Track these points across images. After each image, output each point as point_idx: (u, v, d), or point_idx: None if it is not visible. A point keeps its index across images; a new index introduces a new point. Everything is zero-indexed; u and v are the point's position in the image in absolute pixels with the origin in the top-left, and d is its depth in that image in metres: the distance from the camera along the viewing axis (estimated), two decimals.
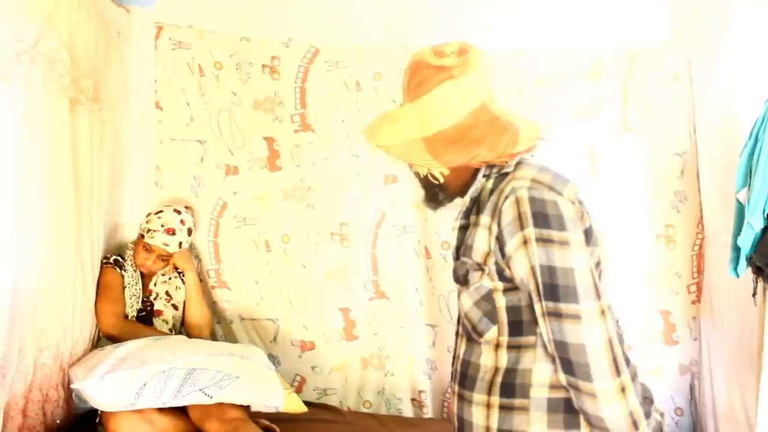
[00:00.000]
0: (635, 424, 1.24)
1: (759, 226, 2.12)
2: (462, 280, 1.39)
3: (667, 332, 3.00)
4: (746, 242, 2.16)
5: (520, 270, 1.28)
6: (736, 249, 2.24)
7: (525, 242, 1.26)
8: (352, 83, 3.11)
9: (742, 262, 2.22)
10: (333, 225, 3.14)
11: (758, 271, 2.19)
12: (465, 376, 1.40)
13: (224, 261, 3.13)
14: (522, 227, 1.26)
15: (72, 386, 2.33)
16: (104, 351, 2.43)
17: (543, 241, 1.25)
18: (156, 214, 2.83)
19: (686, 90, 2.93)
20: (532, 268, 1.26)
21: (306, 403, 2.70)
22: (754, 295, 2.25)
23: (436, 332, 3.14)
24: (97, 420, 2.40)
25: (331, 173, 3.13)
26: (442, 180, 1.41)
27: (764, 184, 2.08)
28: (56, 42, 2.21)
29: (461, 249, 1.41)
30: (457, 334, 1.50)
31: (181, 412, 2.41)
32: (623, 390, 1.23)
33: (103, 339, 2.67)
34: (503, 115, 1.40)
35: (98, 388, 2.24)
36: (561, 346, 1.24)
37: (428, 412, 3.11)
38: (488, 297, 1.34)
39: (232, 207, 3.13)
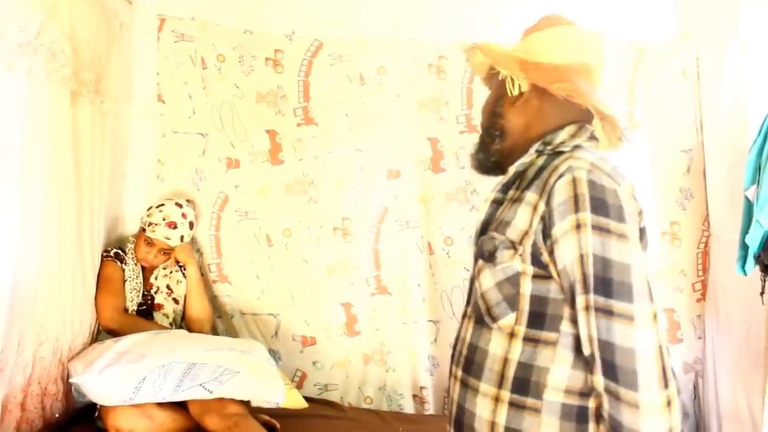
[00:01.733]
0: None
1: (767, 223, 2.09)
2: (487, 256, 1.27)
3: (671, 330, 2.98)
4: (754, 240, 2.14)
5: (565, 256, 1.16)
6: (744, 247, 2.22)
7: (578, 227, 1.15)
8: (355, 77, 3.09)
9: (750, 260, 2.19)
10: (335, 219, 3.12)
11: (766, 269, 2.17)
12: (471, 362, 1.30)
13: (225, 255, 3.11)
14: (577, 210, 1.15)
15: (71, 380, 2.32)
16: (104, 345, 2.41)
17: (600, 229, 1.14)
18: (157, 207, 2.81)
19: (693, 86, 2.91)
20: (582, 256, 1.14)
21: (307, 398, 2.68)
22: (762, 293, 2.23)
23: (438, 328, 3.12)
24: (96, 414, 2.39)
25: (334, 167, 3.11)
26: (517, 92, 1.37)
27: None
28: (58, 33, 2.21)
29: (492, 223, 1.30)
30: (464, 315, 1.39)
31: (180, 406, 2.39)
32: (669, 404, 1.12)
33: (103, 333, 2.66)
34: (600, 92, 1.37)
35: (97, 382, 2.22)
36: (606, 347, 1.12)
37: (430, 409, 3.10)
38: (514, 280, 1.23)
39: (234, 201, 3.10)
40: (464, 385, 1.31)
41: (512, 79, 1.37)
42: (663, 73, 2.97)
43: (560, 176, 1.20)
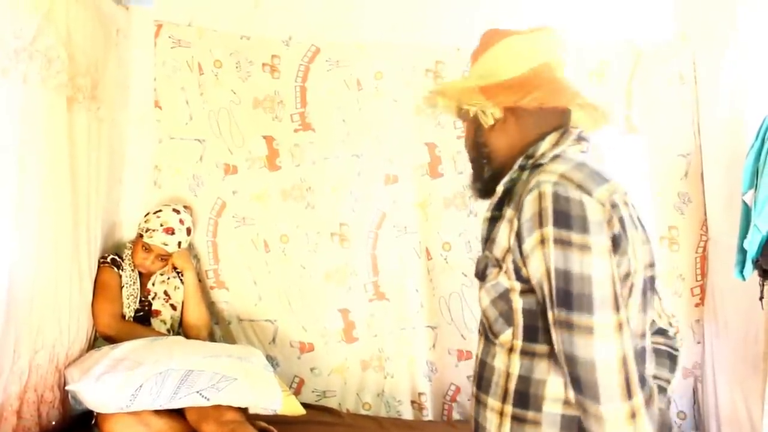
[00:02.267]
0: None
1: (766, 228, 2.10)
2: (480, 275, 1.30)
3: None
4: (753, 245, 2.14)
5: (535, 271, 1.18)
6: (742, 252, 2.21)
7: (542, 241, 1.16)
8: (352, 82, 3.09)
9: (749, 265, 2.19)
10: (333, 225, 3.11)
11: (765, 274, 2.17)
12: (481, 378, 1.32)
13: (223, 261, 3.10)
14: (541, 225, 1.16)
15: (67, 388, 2.30)
16: (100, 352, 2.40)
17: (561, 242, 1.14)
18: (155, 213, 2.80)
19: (691, 90, 2.90)
20: (548, 271, 1.16)
21: (305, 405, 2.67)
22: (761, 299, 2.23)
23: (436, 334, 3.11)
24: (93, 422, 2.37)
25: (331, 173, 3.11)
26: (492, 121, 1.36)
27: None
28: (54, 39, 2.20)
29: (487, 242, 1.32)
30: (479, 332, 1.40)
31: (177, 414, 2.38)
32: (633, 416, 1.11)
33: (100, 339, 2.64)
34: (571, 84, 1.35)
35: (93, 390, 2.21)
36: (570, 360, 1.13)
37: (428, 415, 3.09)
38: (505, 296, 1.25)
39: (231, 206, 3.10)
40: (478, 401, 1.34)
41: (482, 111, 1.37)
42: (660, 76, 2.97)
43: (530, 191, 1.21)
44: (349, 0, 3.06)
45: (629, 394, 1.11)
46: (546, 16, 2.90)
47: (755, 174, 2.15)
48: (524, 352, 1.24)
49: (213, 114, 3.06)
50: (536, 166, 1.30)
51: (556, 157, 1.30)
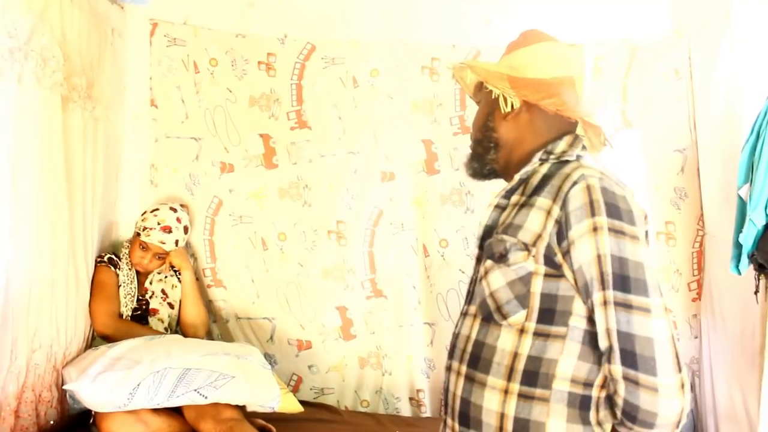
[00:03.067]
0: (679, 423, 1.23)
1: (761, 222, 2.09)
2: (498, 257, 1.34)
3: None
4: (748, 239, 2.14)
5: (583, 257, 1.24)
6: (738, 246, 2.22)
7: (595, 229, 1.23)
8: (348, 80, 3.09)
9: (744, 259, 2.19)
10: (330, 223, 3.11)
11: (760, 268, 2.17)
12: (478, 358, 1.36)
13: (220, 259, 3.10)
14: (593, 214, 1.24)
15: (65, 387, 2.30)
16: (98, 351, 2.40)
17: (615, 231, 1.23)
18: (152, 212, 2.81)
19: (687, 85, 2.91)
20: (599, 257, 1.23)
21: (303, 402, 2.67)
22: (756, 292, 2.23)
23: (434, 331, 3.12)
24: (91, 421, 2.38)
25: (328, 171, 3.11)
26: (509, 109, 1.45)
27: (766, 179, 2.06)
28: (49, 39, 2.20)
29: (497, 227, 1.38)
30: (464, 314, 1.45)
31: (175, 412, 2.39)
32: (682, 386, 1.22)
33: (98, 338, 2.65)
34: (586, 103, 1.46)
35: (91, 389, 2.21)
36: (626, 337, 1.21)
37: (426, 411, 3.09)
38: (525, 279, 1.30)
39: (228, 205, 3.10)
40: (470, 379, 1.37)
41: (504, 97, 1.45)
42: (656, 72, 2.97)
43: (574, 183, 1.28)
44: None
45: (679, 367, 1.21)
46: (539, 13, 2.93)
47: (750, 168, 2.15)
48: (537, 334, 1.30)
49: (209, 112, 3.06)
50: (561, 162, 1.39)
51: (579, 157, 1.40)
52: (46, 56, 2.18)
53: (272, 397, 2.45)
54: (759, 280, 2.21)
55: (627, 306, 1.21)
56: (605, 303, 1.23)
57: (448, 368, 1.44)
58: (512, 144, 1.48)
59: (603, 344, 1.24)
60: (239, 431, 2.32)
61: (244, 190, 3.10)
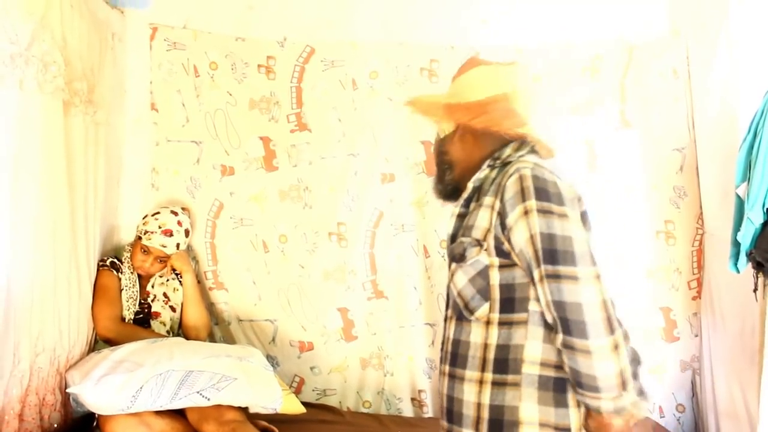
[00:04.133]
0: (624, 384, 1.28)
1: (759, 220, 2.10)
2: (458, 257, 1.46)
3: (668, 329, 2.99)
4: (746, 237, 2.14)
5: (519, 239, 1.36)
6: (736, 244, 2.22)
7: (526, 212, 1.35)
8: (348, 82, 3.10)
9: (742, 257, 2.20)
10: (330, 225, 3.12)
11: (758, 266, 2.17)
12: (456, 356, 1.45)
13: (221, 262, 3.12)
14: (524, 199, 1.36)
15: (68, 390, 2.31)
16: (101, 354, 2.41)
17: (543, 212, 1.34)
18: (153, 215, 2.82)
19: (685, 84, 2.92)
20: (532, 236, 1.33)
21: (305, 403, 2.68)
22: (755, 290, 2.24)
23: (435, 331, 3.13)
24: (95, 423, 2.39)
25: (328, 173, 3.12)
26: (446, 132, 1.61)
27: (764, 178, 2.06)
28: (49, 44, 2.21)
29: (459, 232, 1.49)
30: (445, 319, 1.56)
31: (178, 414, 2.40)
32: (616, 347, 1.29)
33: (100, 342, 2.66)
34: (521, 115, 1.56)
35: (94, 392, 2.22)
36: (559, 306, 1.29)
37: (428, 412, 3.10)
38: (483, 273, 1.42)
39: (229, 208, 3.11)
40: (452, 377, 1.46)
41: (439, 123, 1.62)
42: (654, 71, 2.98)
43: (510, 176, 1.42)
44: (343, 0, 3.07)
45: (611, 329, 1.29)
46: (537, 13, 2.94)
47: (748, 167, 2.15)
48: (501, 323, 1.40)
49: (209, 116, 3.08)
50: (505, 164, 1.51)
51: (521, 157, 1.52)
52: (47, 61, 2.19)
53: (274, 399, 2.47)
54: (757, 278, 2.21)
55: (556, 276, 1.30)
56: (541, 278, 1.32)
57: (440, 372, 1.54)
58: (463, 162, 1.61)
59: (549, 319, 1.33)
60: None
61: (244, 193, 3.12)
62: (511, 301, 1.39)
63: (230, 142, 3.10)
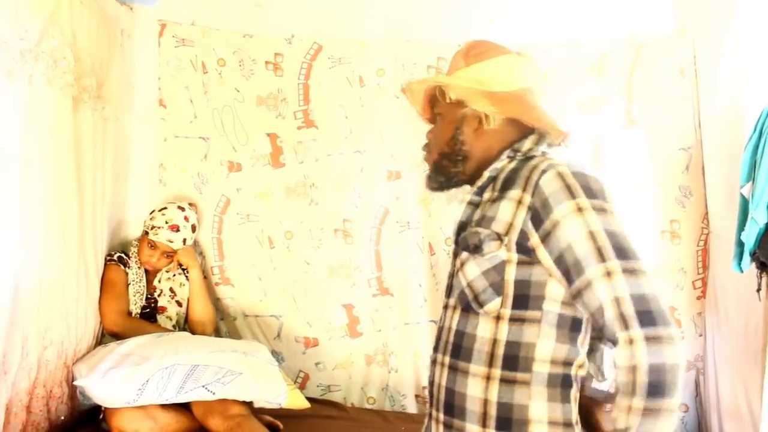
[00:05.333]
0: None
1: (763, 220, 2.10)
2: (473, 248, 1.39)
3: None
4: (750, 237, 2.14)
5: (570, 235, 1.28)
6: (740, 244, 2.22)
7: (580, 209, 1.28)
8: (355, 79, 3.11)
9: (746, 257, 2.20)
10: (336, 221, 3.14)
11: (762, 266, 2.17)
12: (459, 348, 1.40)
13: (228, 258, 3.14)
14: (573, 197, 1.29)
15: (75, 383, 2.34)
16: (107, 348, 2.44)
17: (598, 209, 1.28)
18: (160, 211, 2.84)
19: (691, 84, 2.90)
20: (592, 233, 1.27)
21: (310, 399, 2.71)
22: (758, 290, 2.24)
23: None
24: (101, 416, 2.41)
25: (335, 170, 3.13)
26: (492, 125, 1.46)
27: None
28: (59, 40, 2.23)
29: (470, 222, 1.43)
30: (446, 306, 1.50)
31: (184, 408, 2.42)
32: (675, 340, 1.25)
33: (107, 336, 2.68)
34: (547, 113, 1.50)
35: (101, 385, 2.25)
36: (641, 299, 1.23)
37: None
38: (499, 267, 1.35)
39: (236, 204, 3.13)
40: (453, 369, 1.40)
41: (486, 114, 1.46)
42: (661, 70, 2.97)
43: (543, 171, 1.33)
44: None
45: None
46: (544, 12, 2.94)
47: (753, 167, 2.15)
48: (513, 319, 1.34)
49: (217, 112, 3.10)
50: (528, 158, 1.43)
51: (544, 153, 1.46)
52: (57, 58, 2.21)
53: (279, 394, 2.49)
54: (761, 277, 2.21)
55: (633, 272, 1.24)
56: (609, 274, 1.24)
57: (434, 361, 1.48)
58: (482, 152, 1.49)
59: (609, 314, 1.24)
60: (247, 427, 2.35)
61: (251, 189, 3.13)
62: (525, 299, 1.33)
63: (237, 138, 3.11)
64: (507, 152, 1.46)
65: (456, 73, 1.52)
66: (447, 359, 1.42)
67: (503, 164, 1.45)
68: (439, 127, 1.56)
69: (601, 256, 1.25)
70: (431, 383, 1.48)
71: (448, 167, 1.53)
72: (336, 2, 3.07)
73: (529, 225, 1.32)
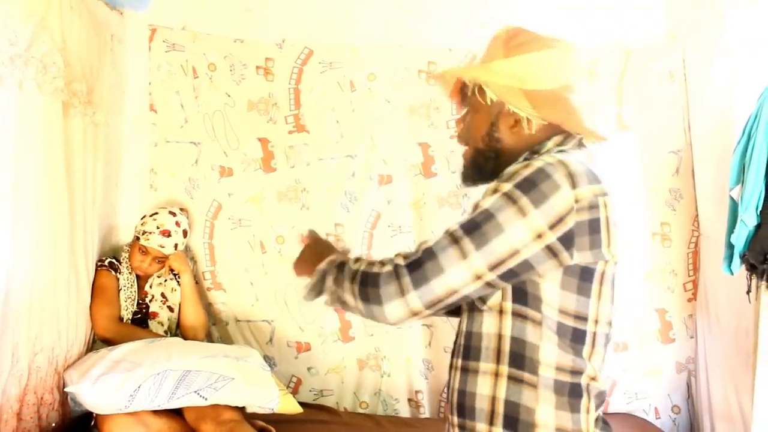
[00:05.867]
0: None
1: (752, 223, 2.12)
2: None
3: (664, 330, 3.00)
4: (740, 239, 2.16)
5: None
6: (730, 246, 2.24)
7: (495, 191, 1.27)
8: (346, 84, 3.12)
9: (736, 259, 2.22)
10: (328, 226, 3.13)
11: (752, 268, 2.19)
12: (469, 348, 1.38)
13: (219, 263, 3.13)
14: (505, 180, 1.27)
15: (66, 389, 2.33)
16: (98, 354, 2.43)
17: (508, 196, 1.24)
18: (151, 216, 2.83)
19: (681, 88, 2.93)
20: (476, 205, 1.29)
21: (302, 404, 2.69)
22: (748, 292, 2.25)
23: (432, 332, 3.14)
24: (92, 423, 2.40)
25: (326, 174, 3.13)
26: (533, 130, 1.38)
27: (757, 181, 2.08)
28: (49, 45, 2.22)
29: None
30: (461, 310, 1.47)
31: (176, 413, 2.41)
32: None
33: (98, 342, 2.67)
34: (583, 114, 1.43)
35: (92, 391, 2.23)
36: (428, 253, 1.27)
37: (425, 413, 3.11)
38: None
39: (227, 208, 3.12)
40: (465, 370, 1.39)
41: (528, 118, 1.38)
42: (651, 74, 2.99)
43: (527, 164, 1.30)
44: (342, 2, 3.08)
45: None
46: (535, 17, 2.94)
47: (742, 170, 2.17)
48: (515, 314, 1.31)
49: (208, 117, 3.09)
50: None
51: (560, 152, 1.37)
52: (47, 63, 2.21)
53: (272, 399, 2.48)
54: (751, 279, 2.23)
55: (455, 239, 1.26)
56: (446, 231, 1.28)
57: (452, 366, 1.45)
58: (514, 150, 1.42)
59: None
60: None
61: (242, 194, 3.13)
62: (523, 293, 1.30)
63: (229, 143, 3.11)
64: (526, 154, 1.40)
65: (493, 64, 1.43)
66: (459, 362, 1.41)
67: (519, 166, 1.34)
68: (472, 120, 1.49)
69: (461, 222, 1.27)
70: (448, 387, 1.46)
71: (482, 164, 1.47)
72: (327, 7, 3.08)
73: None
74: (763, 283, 2.15)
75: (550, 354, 1.29)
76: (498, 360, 1.32)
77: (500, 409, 1.31)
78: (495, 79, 1.40)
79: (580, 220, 1.25)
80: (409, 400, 3.14)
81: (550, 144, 1.39)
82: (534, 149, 1.39)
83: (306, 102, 3.12)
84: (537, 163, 1.27)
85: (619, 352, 2.98)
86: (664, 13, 2.99)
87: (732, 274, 2.27)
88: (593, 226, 1.27)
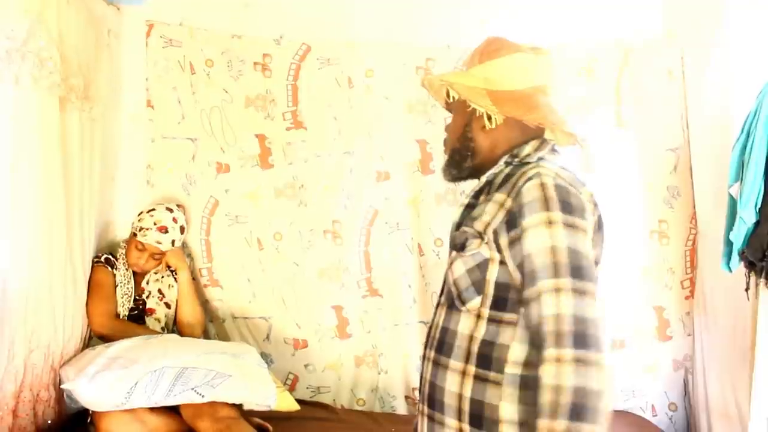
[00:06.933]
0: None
1: (751, 220, 2.12)
2: (460, 246, 1.44)
3: (661, 328, 3.00)
4: (738, 237, 2.16)
5: (534, 245, 1.31)
6: (729, 244, 2.24)
7: (550, 222, 1.31)
8: (344, 80, 3.11)
9: (735, 256, 2.22)
10: (325, 223, 3.13)
11: (750, 265, 2.19)
12: (443, 343, 1.45)
13: (216, 259, 3.12)
14: (548, 209, 1.32)
15: (62, 386, 2.32)
16: (95, 351, 2.42)
17: (568, 226, 1.31)
18: (148, 212, 2.82)
19: (679, 85, 2.93)
20: (553, 248, 1.30)
21: (299, 401, 2.69)
22: (746, 290, 2.25)
23: None
24: (89, 420, 2.39)
25: (324, 171, 3.12)
26: (494, 125, 1.49)
27: (756, 178, 2.08)
28: (46, 40, 2.21)
29: (464, 222, 1.48)
30: (438, 304, 1.55)
31: (173, 411, 2.40)
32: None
33: (95, 338, 2.66)
34: (558, 110, 1.53)
35: (88, 388, 2.23)
36: (581, 321, 1.25)
37: None
38: (482, 266, 1.40)
39: (224, 205, 3.11)
40: (436, 364, 1.46)
41: (488, 115, 1.50)
42: (649, 72, 2.99)
43: (529, 179, 1.37)
44: None
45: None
46: (534, 15, 2.94)
47: (741, 167, 2.17)
48: (491, 319, 1.38)
49: (205, 113, 3.08)
50: (523, 164, 1.47)
51: (540, 159, 1.48)
52: (44, 57, 2.19)
53: (269, 396, 2.47)
54: (749, 277, 2.23)
55: (582, 292, 1.27)
56: (557, 290, 1.27)
57: (423, 357, 1.52)
58: (488, 150, 1.54)
59: (547, 327, 1.26)
60: (236, 429, 2.34)
61: (240, 190, 3.12)
62: (504, 301, 1.37)
63: (226, 139, 3.10)
64: (506, 157, 1.50)
65: (471, 70, 1.56)
66: (432, 354, 1.47)
67: (500, 169, 1.50)
68: (452, 122, 1.62)
69: (556, 272, 1.28)
70: (420, 378, 1.53)
71: (459, 161, 1.58)
72: (325, 3, 3.06)
73: (503, 227, 1.37)
74: (762, 280, 2.15)
75: (519, 353, 1.34)
76: (467, 360, 1.39)
77: (466, 407, 1.37)
78: (463, 81, 1.54)
79: (595, 219, 1.41)
80: (406, 397, 3.14)
81: (528, 148, 1.50)
82: (513, 153, 1.50)
83: (303, 98, 3.11)
84: (542, 179, 1.35)
85: (617, 350, 2.98)
86: (662, 11, 2.98)
87: (731, 271, 2.27)
88: (599, 224, 1.42)
